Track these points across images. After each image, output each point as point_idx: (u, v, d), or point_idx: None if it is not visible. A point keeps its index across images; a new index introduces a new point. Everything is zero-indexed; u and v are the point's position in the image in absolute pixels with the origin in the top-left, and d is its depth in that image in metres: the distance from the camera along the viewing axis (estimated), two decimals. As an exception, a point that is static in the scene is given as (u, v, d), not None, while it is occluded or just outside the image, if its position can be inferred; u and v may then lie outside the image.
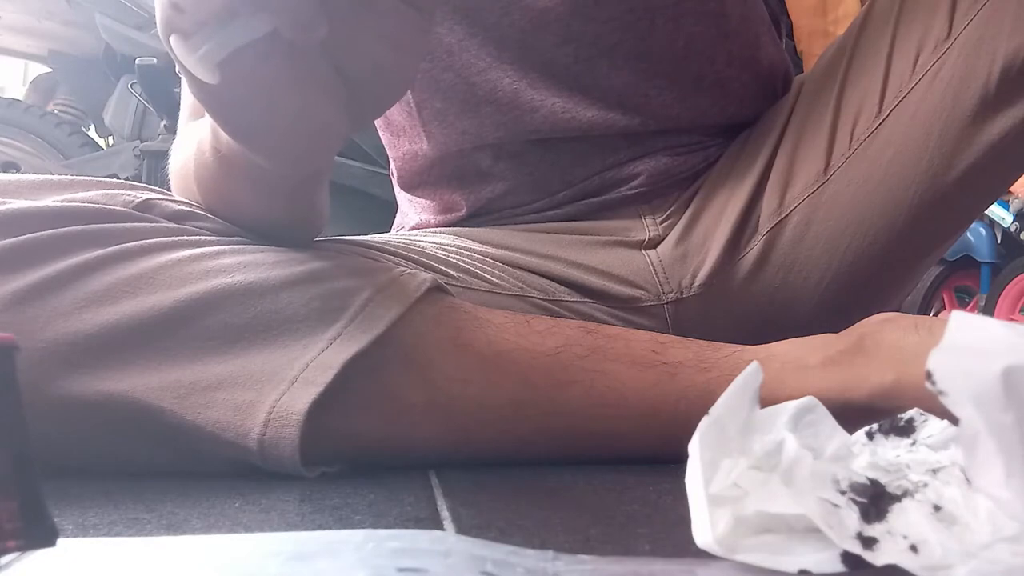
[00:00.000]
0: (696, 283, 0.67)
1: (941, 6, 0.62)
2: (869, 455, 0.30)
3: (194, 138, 0.52)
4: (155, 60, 2.35)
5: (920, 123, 0.63)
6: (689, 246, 0.68)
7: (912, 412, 0.32)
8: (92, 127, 3.20)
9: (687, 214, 0.69)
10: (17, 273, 0.41)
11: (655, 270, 0.67)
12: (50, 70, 3.23)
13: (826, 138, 0.66)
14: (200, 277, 0.43)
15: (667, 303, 0.67)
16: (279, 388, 0.41)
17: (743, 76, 0.70)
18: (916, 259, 0.69)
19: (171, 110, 2.40)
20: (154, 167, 2.59)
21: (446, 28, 0.66)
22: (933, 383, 0.25)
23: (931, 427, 0.31)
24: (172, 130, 2.48)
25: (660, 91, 0.67)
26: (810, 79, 0.71)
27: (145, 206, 0.47)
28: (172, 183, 0.58)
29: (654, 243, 0.68)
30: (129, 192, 0.48)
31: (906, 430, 0.32)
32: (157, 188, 0.50)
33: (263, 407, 0.41)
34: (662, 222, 0.69)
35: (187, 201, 0.50)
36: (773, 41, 0.74)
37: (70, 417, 0.41)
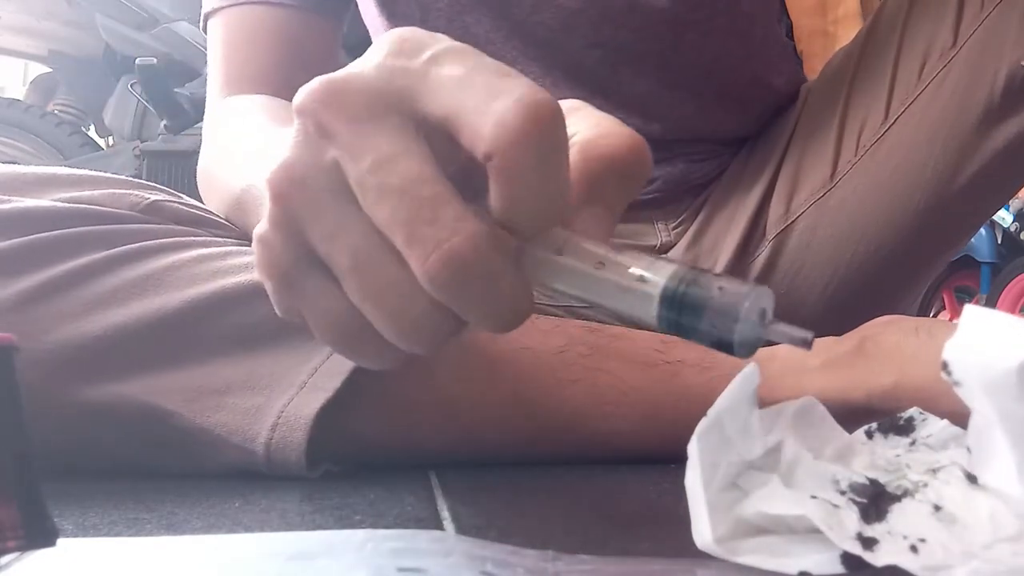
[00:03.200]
0: None
1: (947, 15, 0.62)
2: (869, 455, 0.30)
3: (245, 156, 0.51)
4: (155, 60, 2.35)
5: (926, 130, 0.63)
6: (699, 252, 0.68)
7: (912, 411, 0.32)
8: (92, 127, 3.20)
9: (698, 220, 0.69)
10: (23, 274, 0.41)
11: None
12: (50, 70, 3.23)
13: (832, 145, 0.66)
14: (208, 278, 0.43)
15: None
16: (288, 393, 0.41)
17: (764, 95, 0.70)
18: (922, 265, 0.69)
19: (171, 110, 2.40)
20: (154, 167, 2.59)
21: (473, 19, 0.66)
22: (949, 373, 0.25)
23: (931, 426, 0.31)
24: (172, 130, 2.50)
25: (682, 102, 0.67)
26: (816, 87, 0.71)
27: (153, 208, 0.47)
28: (200, 182, 0.58)
29: (665, 249, 0.69)
30: (136, 192, 0.47)
31: (905, 429, 0.32)
32: (164, 188, 0.50)
33: (272, 411, 0.41)
34: (674, 228, 0.69)
35: (196, 204, 0.50)
36: (789, 58, 0.75)
37: (76, 419, 0.41)
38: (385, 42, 0.29)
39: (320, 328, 0.31)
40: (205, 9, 0.66)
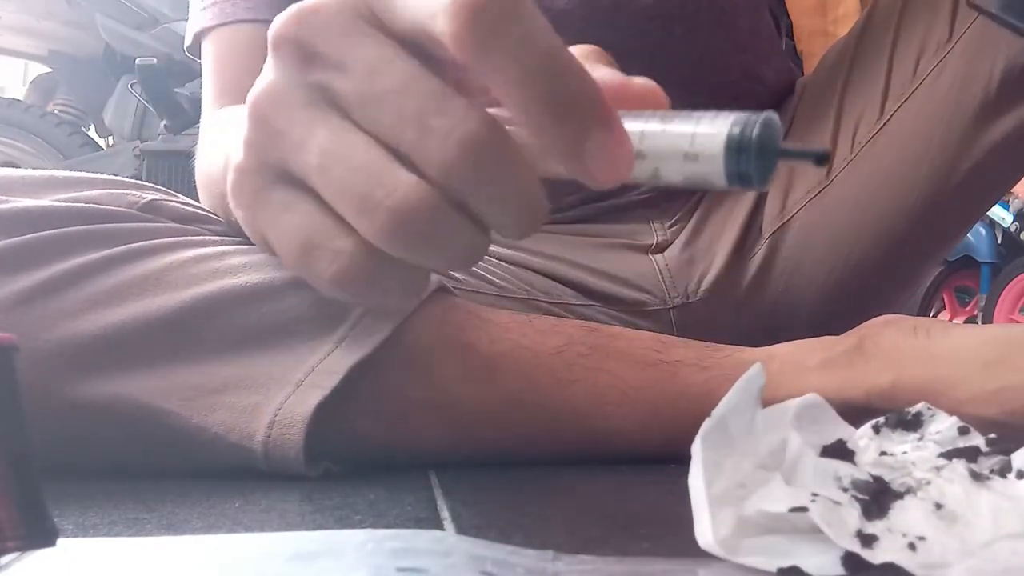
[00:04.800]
0: (702, 288, 0.67)
1: (942, 9, 0.62)
2: (875, 450, 0.30)
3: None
4: (155, 60, 2.35)
5: (922, 126, 0.63)
6: (696, 251, 0.68)
7: (920, 406, 0.32)
8: (92, 127, 3.21)
9: (694, 219, 0.69)
10: (21, 273, 0.41)
11: (661, 274, 0.67)
12: (50, 70, 3.23)
13: (828, 141, 0.66)
14: (206, 278, 0.43)
15: (672, 308, 0.67)
16: (285, 391, 0.41)
17: (756, 88, 0.70)
18: (919, 262, 0.69)
19: (171, 110, 2.40)
20: (154, 167, 2.59)
21: None
22: None
23: (939, 422, 0.31)
24: (172, 130, 2.50)
25: (674, 98, 0.67)
26: (812, 83, 0.71)
27: (151, 207, 0.47)
28: (200, 188, 0.58)
29: (661, 248, 0.69)
30: (134, 192, 0.47)
31: (913, 424, 0.31)
32: (162, 188, 0.50)
33: (268, 409, 0.41)
34: (670, 227, 0.69)
35: (194, 203, 0.50)
36: (780, 54, 0.75)
37: (75, 418, 0.41)
38: None
39: (284, 243, 0.30)
40: (195, 30, 0.66)
